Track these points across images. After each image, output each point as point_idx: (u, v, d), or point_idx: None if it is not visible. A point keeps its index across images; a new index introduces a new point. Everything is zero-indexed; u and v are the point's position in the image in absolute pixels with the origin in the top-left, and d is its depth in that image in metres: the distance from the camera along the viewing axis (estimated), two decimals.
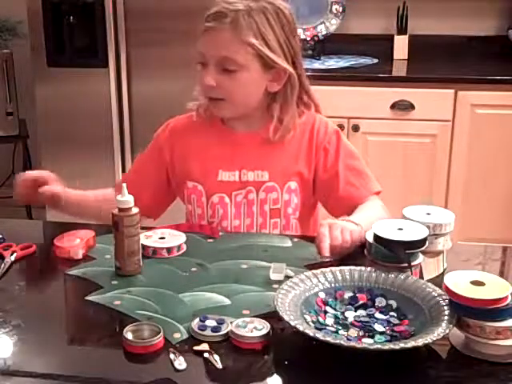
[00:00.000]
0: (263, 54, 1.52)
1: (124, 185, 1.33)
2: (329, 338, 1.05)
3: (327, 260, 1.39)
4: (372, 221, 1.36)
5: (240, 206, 1.60)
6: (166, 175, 1.67)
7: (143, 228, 1.40)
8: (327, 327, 1.13)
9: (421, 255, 1.28)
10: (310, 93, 1.63)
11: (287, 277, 1.30)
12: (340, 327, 1.14)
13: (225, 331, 1.12)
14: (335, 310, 1.19)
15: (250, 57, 1.52)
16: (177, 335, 1.14)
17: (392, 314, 1.18)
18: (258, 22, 1.50)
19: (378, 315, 1.18)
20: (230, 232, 1.59)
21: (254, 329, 1.12)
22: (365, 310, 1.19)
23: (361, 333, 1.13)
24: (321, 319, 1.15)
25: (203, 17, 1.54)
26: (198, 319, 1.16)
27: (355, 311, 1.19)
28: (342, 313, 1.18)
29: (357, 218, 1.46)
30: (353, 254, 1.42)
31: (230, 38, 1.50)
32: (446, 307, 1.12)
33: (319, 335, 1.05)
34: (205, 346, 1.09)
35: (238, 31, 1.49)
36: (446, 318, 1.09)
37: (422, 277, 1.28)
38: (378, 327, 1.14)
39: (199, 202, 1.61)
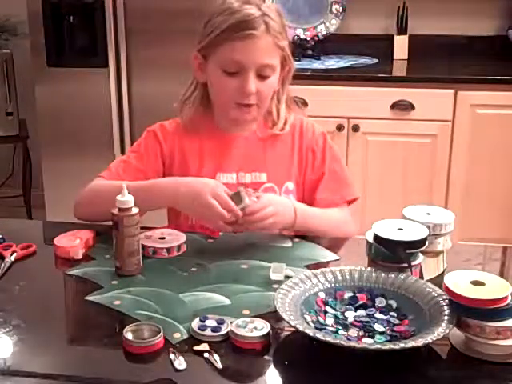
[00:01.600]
0: (286, 55, 1.56)
1: (124, 185, 1.33)
2: (329, 338, 1.05)
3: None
4: (319, 223, 1.54)
5: None
6: (162, 172, 1.64)
7: (143, 228, 1.40)
8: (327, 327, 1.13)
9: (421, 255, 1.28)
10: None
11: (287, 277, 1.30)
12: (340, 327, 1.14)
13: (225, 331, 1.12)
14: (335, 310, 1.19)
15: (278, 59, 1.55)
16: (177, 335, 1.14)
17: (392, 313, 1.18)
18: (279, 23, 1.53)
19: (378, 315, 1.18)
20: (233, 233, 1.58)
21: (254, 329, 1.12)
22: (365, 310, 1.19)
23: (361, 333, 1.13)
24: (321, 319, 1.15)
25: (212, 24, 1.53)
26: (197, 319, 1.16)
27: (355, 311, 1.19)
28: (342, 313, 1.18)
29: (308, 210, 1.56)
30: (353, 254, 1.42)
31: (270, 43, 1.51)
32: (445, 307, 1.12)
33: (319, 335, 1.05)
34: (205, 346, 1.09)
35: (273, 36, 1.51)
36: (446, 317, 1.09)
37: (422, 277, 1.28)
38: (378, 327, 1.14)
39: None
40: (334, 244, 1.55)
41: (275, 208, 1.45)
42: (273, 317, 1.14)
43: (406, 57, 3.35)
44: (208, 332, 1.12)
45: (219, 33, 1.51)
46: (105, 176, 1.62)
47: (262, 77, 1.53)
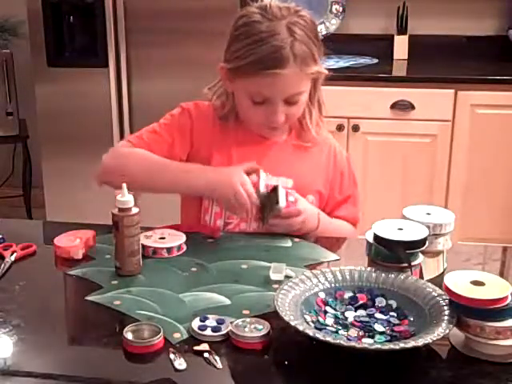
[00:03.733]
0: (316, 74, 1.53)
1: (124, 185, 1.33)
2: (329, 338, 1.05)
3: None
4: (335, 231, 1.60)
5: None
6: (188, 152, 1.61)
7: (143, 228, 1.40)
8: (327, 327, 1.13)
9: (421, 255, 1.28)
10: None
11: (287, 277, 1.30)
12: (340, 327, 1.14)
13: (225, 331, 1.12)
14: (335, 310, 1.19)
15: (309, 81, 1.54)
16: (177, 335, 1.14)
17: (392, 313, 1.18)
18: (308, 44, 1.49)
19: (378, 315, 1.18)
20: (233, 233, 1.58)
21: (254, 329, 1.12)
22: (365, 309, 1.19)
23: (361, 333, 1.13)
24: (321, 319, 1.15)
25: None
26: (197, 319, 1.16)
27: (355, 311, 1.19)
28: (342, 313, 1.18)
29: (329, 220, 1.63)
30: (353, 254, 1.42)
31: (299, 75, 1.49)
32: (445, 307, 1.12)
33: (319, 335, 1.05)
34: (205, 346, 1.09)
35: (301, 66, 1.48)
36: (446, 317, 1.09)
37: (422, 277, 1.28)
38: (378, 327, 1.14)
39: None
40: (334, 244, 1.55)
41: (304, 216, 1.52)
42: (273, 317, 1.14)
43: (406, 57, 3.35)
44: (208, 332, 1.12)
45: (245, 64, 1.48)
46: (134, 142, 1.60)
47: (291, 102, 1.52)
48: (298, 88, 1.52)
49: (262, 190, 1.48)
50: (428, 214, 1.35)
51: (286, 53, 1.46)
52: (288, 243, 1.51)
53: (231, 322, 1.14)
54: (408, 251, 1.24)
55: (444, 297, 1.14)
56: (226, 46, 1.55)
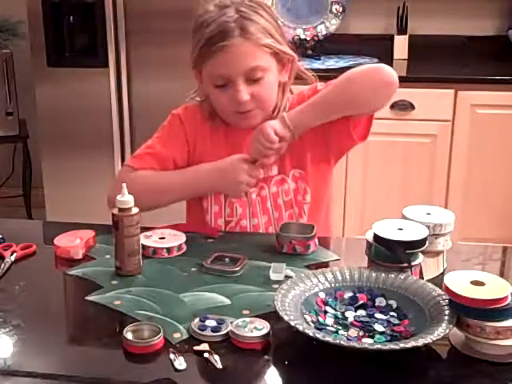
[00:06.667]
0: (277, 50, 1.53)
1: (124, 185, 1.32)
2: (329, 338, 1.05)
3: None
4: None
5: (255, 204, 1.60)
6: (187, 156, 1.62)
7: (143, 228, 1.40)
8: (327, 327, 1.13)
9: (421, 255, 1.28)
10: (302, 69, 1.68)
11: (287, 277, 1.30)
12: (340, 327, 1.14)
13: (225, 331, 1.12)
14: (335, 310, 1.19)
15: (268, 57, 1.53)
16: (177, 335, 1.14)
17: (392, 313, 1.18)
18: (258, 21, 1.50)
19: (378, 315, 1.18)
20: (233, 233, 1.59)
21: (254, 329, 1.12)
22: (365, 310, 1.19)
23: (361, 333, 1.13)
24: (321, 319, 1.15)
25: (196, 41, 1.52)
26: (197, 319, 1.16)
27: (355, 311, 1.19)
28: (342, 313, 1.18)
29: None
30: (353, 254, 1.42)
31: (249, 47, 1.49)
32: (446, 307, 1.12)
33: (319, 335, 1.05)
34: (205, 346, 1.09)
35: (251, 38, 1.48)
36: (446, 317, 1.09)
37: (422, 277, 1.29)
38: (378, 327, 1.14)
39: (217, 199, 1.60)
40: (334, 244, 1.55)
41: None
42: (273, 317, 1.14)
43: (406, 57, 3.35)
44: (208, 332, 1.13)
45: (199, 49, 1.51)
46: (135, 166, 1.58)
47: (254, 80, 1.51)
48: (254, 61, 1.50)
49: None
50: (428, 214, 1.35)
51: (231, 26, 1.48)
52: None
53: (231, 322, 1.14)
54: (408, 251, 1.24)
55: (444, 297, 1.14)
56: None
